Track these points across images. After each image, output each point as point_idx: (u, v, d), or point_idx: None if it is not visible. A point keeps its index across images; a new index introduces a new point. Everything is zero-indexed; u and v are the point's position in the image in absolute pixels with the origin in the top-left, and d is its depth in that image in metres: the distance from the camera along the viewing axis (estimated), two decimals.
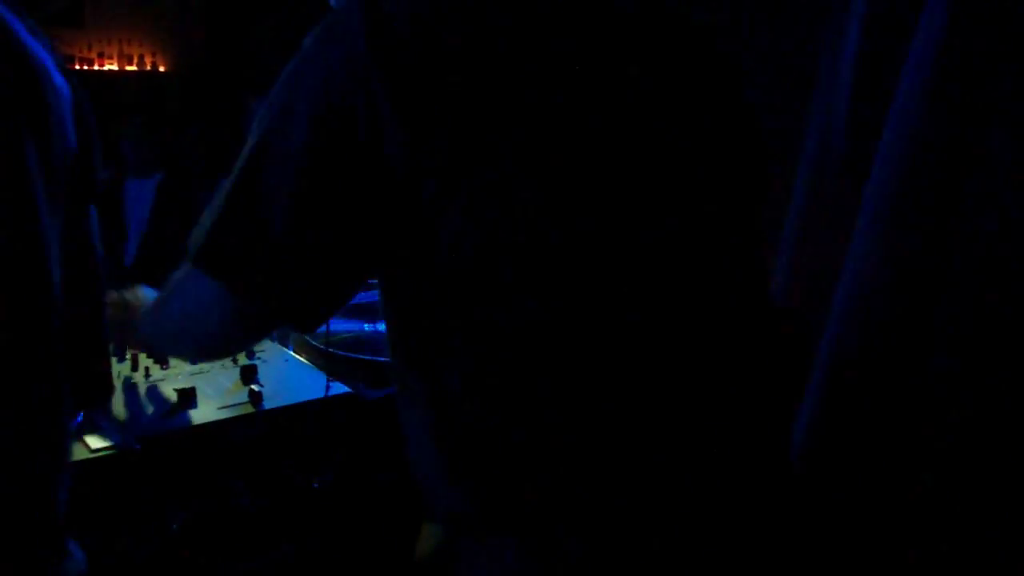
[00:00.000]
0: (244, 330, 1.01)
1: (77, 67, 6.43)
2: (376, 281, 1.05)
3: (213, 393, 1.51)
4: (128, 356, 1.63)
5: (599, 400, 0.94)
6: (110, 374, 1.21)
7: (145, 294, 1.36)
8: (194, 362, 1.64)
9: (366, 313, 1.94)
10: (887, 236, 1.58)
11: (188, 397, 1.46)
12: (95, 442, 1.29)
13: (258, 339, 1.17)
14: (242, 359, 1.66)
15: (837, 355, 1.66)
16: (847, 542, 1.56)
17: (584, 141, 0.94)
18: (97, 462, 1.27)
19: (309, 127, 0.89)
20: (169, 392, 1.48)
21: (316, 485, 1.50)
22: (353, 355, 1.65)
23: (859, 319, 1.63)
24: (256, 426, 1.46)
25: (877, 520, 1.54)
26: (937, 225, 1.53)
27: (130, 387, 1.53)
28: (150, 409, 1.44)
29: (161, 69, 6.77)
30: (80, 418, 1.38)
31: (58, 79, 1.04)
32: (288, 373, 1.62)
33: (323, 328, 1.79)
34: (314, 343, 1.72)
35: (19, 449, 0.92)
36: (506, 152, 0.90)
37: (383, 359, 1.68)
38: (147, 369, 1.58)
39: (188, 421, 1.41)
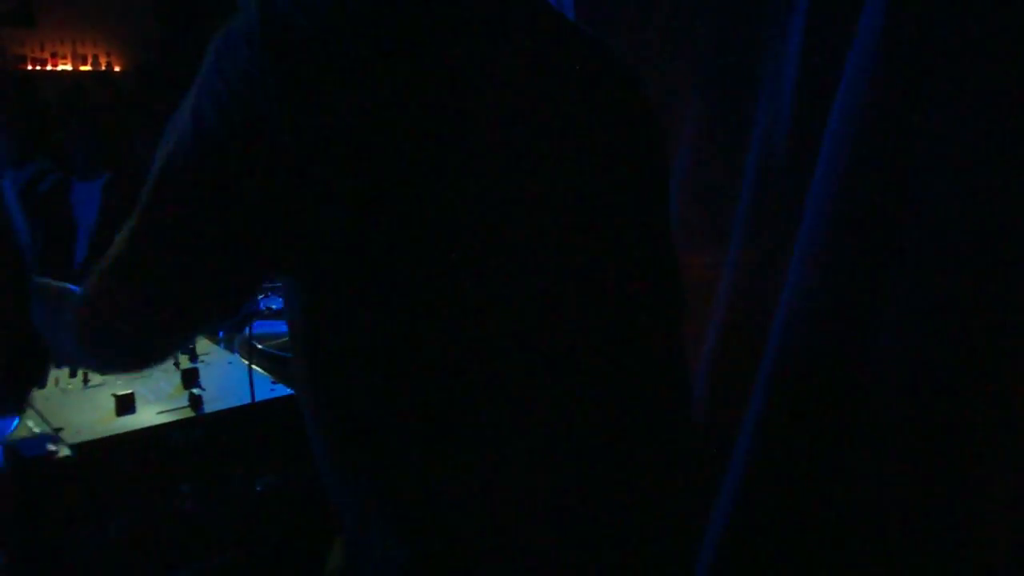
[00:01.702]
0: (159, 331, 0.95)
1: (30, 67, 6.33)
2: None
3: (153, 397, 1.49)
4: None
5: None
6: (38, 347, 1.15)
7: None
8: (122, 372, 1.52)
9: None
10: (832, 232, 1.60)
11: (127, 403, 1.44)
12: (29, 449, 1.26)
13: (179, 340, 1.05)
14: (184, 362, 1.64)
15: (784, 348, 1.68)
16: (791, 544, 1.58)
17: (490, 167, 0.90)
18: (33, 468, 1.25)
19: (209, 133, 0.86)
20: (107, 398, 1.46)
21: (259, 488, 1.49)
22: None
23: (805, 315, 1.65)
24: (197, 429, 1.44)
25: (820, 518, 1.56)
26: (879, 222, 1.55)
27: (67, 393, 1.50)
28: (88, 415, 1.42)
29: (116, 69, 6.68)
30: (16, 423, 1.36)
31: None
32: (230, 376, 1.60)
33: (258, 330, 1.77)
34: (260, 346, 1.70)
35: None
36: (396, 173, 0.86)
37: None
38: (85, 375, 1.56)
39: (127, 426, 1.39)
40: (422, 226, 0.86)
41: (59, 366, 1.51)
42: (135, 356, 0.99)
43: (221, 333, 1.79)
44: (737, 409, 1.74)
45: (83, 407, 1.44)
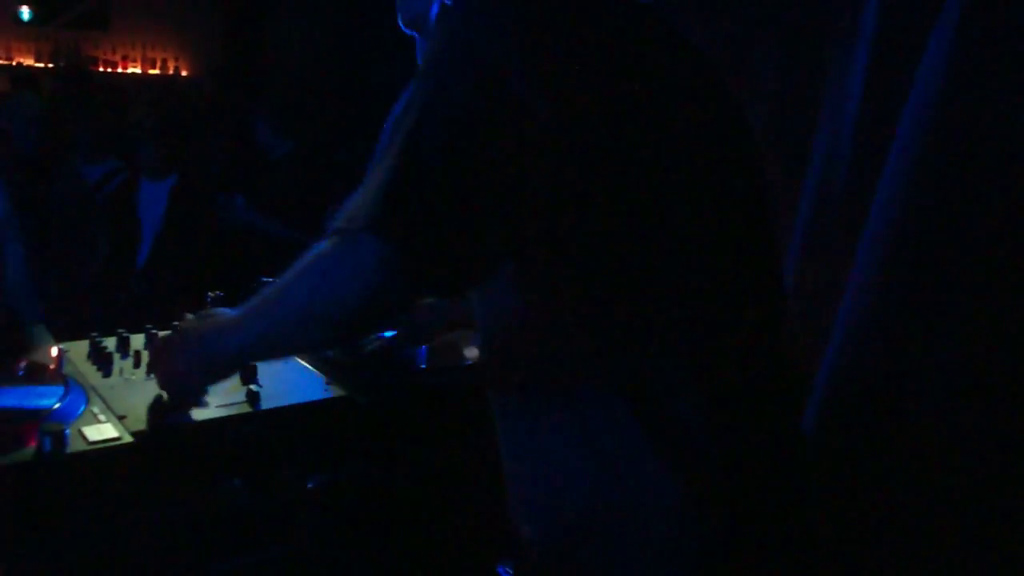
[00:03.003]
0: (398, 295, 1.08)
1: (101, 69, 6.53)
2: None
3: (212, 391, 1.52)
4: (131, 352, 1.65)
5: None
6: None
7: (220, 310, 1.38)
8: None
9: None
10: (891, 257, 1.59)
11: None
12: (93, 434, 1.30)
13: (403, 303, 1.18)
14: None
15: (840, 366, 1.67)
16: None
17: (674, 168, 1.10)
18: (94, 454, 1.29)
19: (469, 91, 1.01)
20: None
21: (310, 485, 1.52)
22: (353, 360, 1.67)
23: (861, 339, 1.64)
24: (253, 425, 1.47)
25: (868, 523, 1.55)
26: (938, 248, 1.54)
27: (130, 383, 1.55)
28: (147, 405, 1.46)
29: (183, 74, 6.86)
30: (82, 409, 1.40)
31: None
32: (287, 375, 1.63)
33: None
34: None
35: None
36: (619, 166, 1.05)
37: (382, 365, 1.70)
38: (149, 366, 1.60)
39: (185, 418, 1.43)
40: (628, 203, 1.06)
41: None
42: (353, 314, 1.10)
43: None
44: None
45: (146, 396, 1.48)
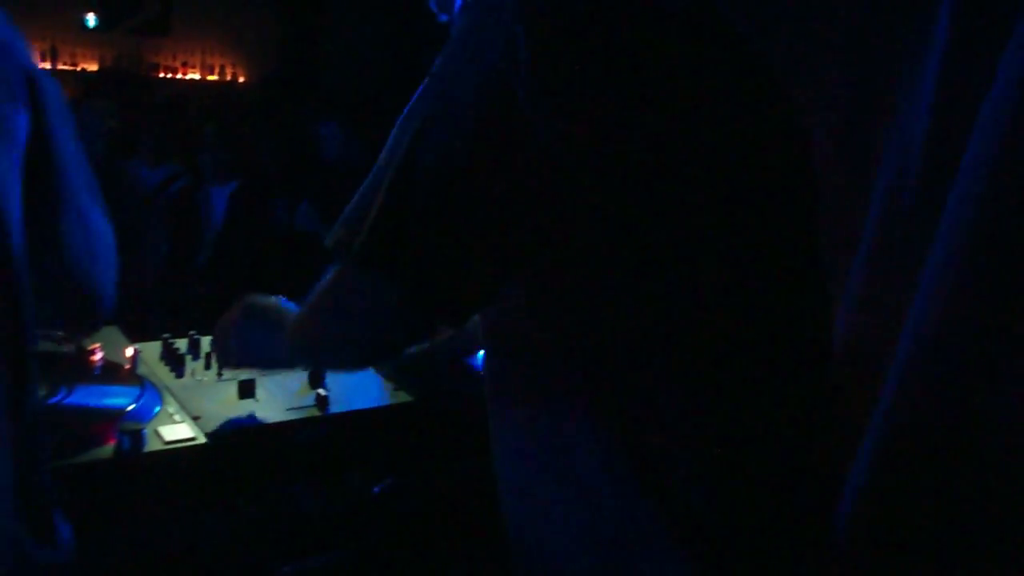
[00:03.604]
0: (405, 326, 1.02)
1: (162, 75, 6.67)
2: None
3: (281, 394, 1.55)
4: (202, 354, 1.68)
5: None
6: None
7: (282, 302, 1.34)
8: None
9: None
10: (959, 275, 1.56)
11: (248, 388, 1.52)
12: (169, 434, 1.33)
13: (415, 338, 1.08)
14: None
15: (902, 394, 1.64)
16: None
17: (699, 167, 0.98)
18: (169, 454, 1.32)
19: (470, 111, 0.93)
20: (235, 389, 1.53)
21: (376, 491, 1.53)
22: (420, 366, 1.69)
23: (925, 359, 1.61)
24: (321, 429, 1.49)
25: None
26: (1010, 269, 1.51)
27: (203, 384, 1.58)
28: (219, 406, 1.49)
29: (240, 80, 6.98)
30: (157, 409, 1.43)
31: None
32: (355, 379, 1.65)
33: None
34: None
35: None
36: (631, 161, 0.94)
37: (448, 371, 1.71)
38: (220, 368, 1.63)
39: (255, 420, 1.45)
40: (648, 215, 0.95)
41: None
42: (367, 350, 1.08)
43: None
44: (852, 447, 1.71)
45: (218, 397, 1.51)
